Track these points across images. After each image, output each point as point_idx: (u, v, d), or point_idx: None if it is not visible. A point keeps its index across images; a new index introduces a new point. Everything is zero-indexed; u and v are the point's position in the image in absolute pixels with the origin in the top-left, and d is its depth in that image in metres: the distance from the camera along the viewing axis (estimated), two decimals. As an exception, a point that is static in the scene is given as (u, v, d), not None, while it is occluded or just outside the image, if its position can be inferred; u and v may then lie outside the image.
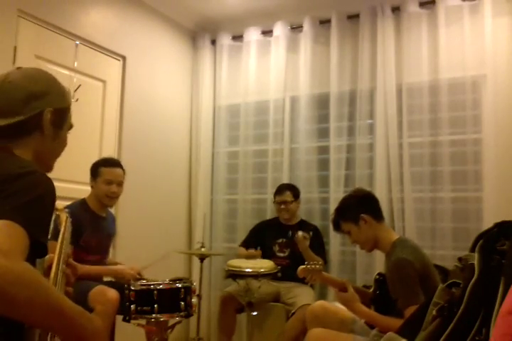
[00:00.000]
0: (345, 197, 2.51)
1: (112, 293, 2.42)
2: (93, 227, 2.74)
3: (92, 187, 2.80)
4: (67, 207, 2.29)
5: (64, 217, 1.56)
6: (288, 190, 3.56)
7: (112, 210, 3.42)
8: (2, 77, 1.21)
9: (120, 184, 2.84)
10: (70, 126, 1.32)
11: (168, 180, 4.05)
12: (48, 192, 1.06)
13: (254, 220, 3.89)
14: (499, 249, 1.34)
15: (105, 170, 2.79)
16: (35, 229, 0.96)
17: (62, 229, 1.43)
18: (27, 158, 1.17)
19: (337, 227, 2.43)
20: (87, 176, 2.88)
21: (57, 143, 1.27)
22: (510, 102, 3.24)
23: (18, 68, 1.25)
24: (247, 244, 3.59)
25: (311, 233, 3.39)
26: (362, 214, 2.32)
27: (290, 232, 3.47)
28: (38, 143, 1.21)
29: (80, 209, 2.69)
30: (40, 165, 1.22)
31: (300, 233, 3.26)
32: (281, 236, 3.55)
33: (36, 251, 0.98)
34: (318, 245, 3.43)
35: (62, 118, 1.26)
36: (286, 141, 3.96)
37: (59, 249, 1.29)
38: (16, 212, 0.95)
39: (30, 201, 0.99)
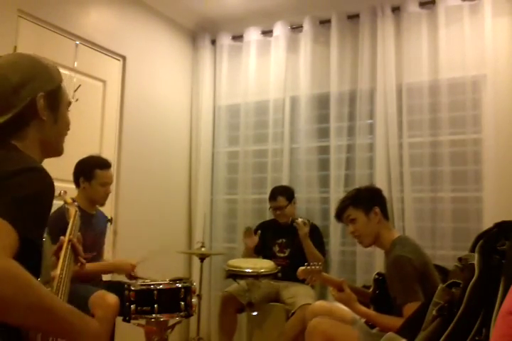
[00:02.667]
0: (358, 189, 2.49)
1: (112, 298, 2.42)
2: (85, 225, 2.74)
3: (83, 188, 2.76)
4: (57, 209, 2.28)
5: (73, 211, 1.55)
6: (280, 195, 3.52)
7: (112, 210, 3.43)
8: None
9: (111, 183, 2.87)
10: (69, 103, 1.27)
11: (169, 180, 4.05)
12: (44, 189, 1.03)
13: (254, 220, 3.88)
14: (499, 249, 1.34)
15: (101, 173, 2.77)
16: (24, 225, 0.94)
17: (70, 223, 1.43)
18: (33, 149, 1.15)
19: (342, 212, 2.39)
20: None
21: (59, 125, 1.23)
22: (510, 102, 3.24)
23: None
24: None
25: (310, 221, 3.40)
26: (375, 206, 2.32)
27: (290, 219, 3.45)
28: (39, 130, 1.17)
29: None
30: (49, 151, 1.21)
31: (300, 219, 3.29)
32: (280, 237, 3.55)
33: (27, 248, 0.95)
34: (318, 241, 3.43)
35: (56, 100, 1.21)
36: (286, 141, 3.96)
37: (67, 243, 1.29)
38: (6, 209, 0.93)
39: (22, 197, 0.97)
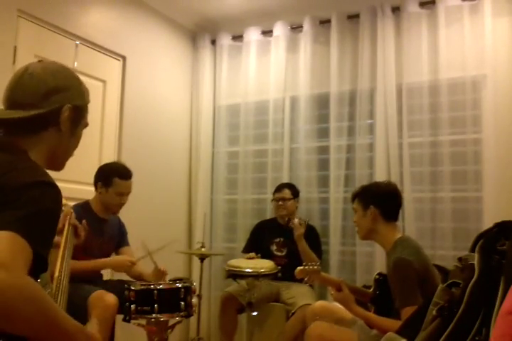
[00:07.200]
0: (376, 183, 2.53)
1: (111, 298, 2.41)
2: (93, 229, 2.72)
3: (99, 193, 2.76)
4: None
5: (68, 211, 1.57)
6: (287, 188, 3.57)
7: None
8: (22, 69, 1.19)
9: (129, 193, 2.83)
10: (86, 125, 1.29)
11: (169, 180, 4.05)
12: (55, 205, 1.04)
13: (254, 220, 3.88)
14: (499, 249, 1.34)
15: (120, 182, 2.75)
16: (38, 242, 0.95)
17: (66, 224, 1.44)
18: (40, 158, 1.15)
19: (352, 200, 2.44)
20: (86, 176, 2.87)
21: (73, 140, 1.25)
22: (510, 102, 3.24)
23: (40, 61, 1.23)
24: (249, 249, 3.55)
25: (307, 220, 3.39)
26: (372, 206, 2.31)
27: (286, 219, 3.45)
28: (54, 139, 1.19)
29: (80, 210, 2.68)
30: (53, 163, 1.21)
31: (296, 219, 3.29)
32: (278, 236, 3.54)
33: (36, 264, 0.95)
34: (314, 243, 3.43)
35: (79, 116, 1.23)
36: (286, 141, 3.96)
37: (64, 243, 1.29)
38: (20, 223, 0.93)
39: (36, 213, 0.97)
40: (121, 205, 2.81)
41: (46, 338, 0.93)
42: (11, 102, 1.16)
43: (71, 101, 1.18)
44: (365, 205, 2.33)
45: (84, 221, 1.38)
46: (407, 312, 1.93)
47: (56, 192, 1.05)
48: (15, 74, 1.19)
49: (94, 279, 2.72)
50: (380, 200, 2.35)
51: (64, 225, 1.37)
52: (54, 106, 1.16)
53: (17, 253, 0.90)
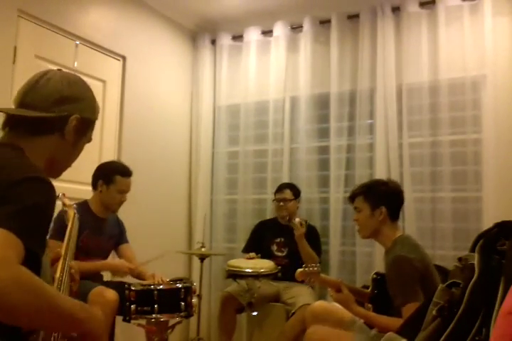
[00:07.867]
0: (380, 181, 2.47)
1: (111, 294, 2.41)
2: (92, 229, 2.73)
3: (100, 191, 2.76)
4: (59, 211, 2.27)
5: (72, 213, 1.57)
6: (288, 189, 3.56)
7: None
8: (40, 73, 1.21)
9: (128, 191, 2.85)
10: (89, 140, 1.31)
11: (169, 180, 4.05)
12: (47, 200, 1.04)
13: (254, 220, 3.88)
14: (499, 249, 1.34)
15: (122, 180, 2.77)
16: (29, 238, 0.94)
17: (69, 226, 1.44)
18: (39, 160, 1.16)
19: (353, 198, 2.39)
20: (86, 176, 2.87)
21: (75, 151, 1.27)
22: (510, 102, 3.24)
23: (59, 70, 1.26)
24: (250, 249, 3.54)
25: (308, 221, 3.39)
26: (383, 206, 2.29)
27: (287, 218, 3.45)
28: (56, 146, 1.20)
29: (79, 210, 2.68)
30: (49, 169, 1.21)
31: (297, 219, 3.28)
32: (279, 236, 3.54)
33: (29, 260, 0.95)
34: (315, 243, 3.43)
35: (85, 129, 1.26)
36: (286, 141, 3.96)
37: (66, 245, 1.30)
38: (10, 220, 0.93)
39: (26, 209, 0.97)
40: (121, 203, 2.82)
41: (49, 323, 0.94)
42: (22, 103, 1.18)
43: (81, 113, 1.21)
44: (375, 205, 2.30)
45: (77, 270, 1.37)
46: (409, 309, 1.93)
47: (48, 187, 1.05)
48: (32, 77, 1.21)
49: (94, 280, 2.72)
50: (391, 200, 2.33)
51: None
52: (63, 113, 1.18)
53: (8, 246, 0.90)
